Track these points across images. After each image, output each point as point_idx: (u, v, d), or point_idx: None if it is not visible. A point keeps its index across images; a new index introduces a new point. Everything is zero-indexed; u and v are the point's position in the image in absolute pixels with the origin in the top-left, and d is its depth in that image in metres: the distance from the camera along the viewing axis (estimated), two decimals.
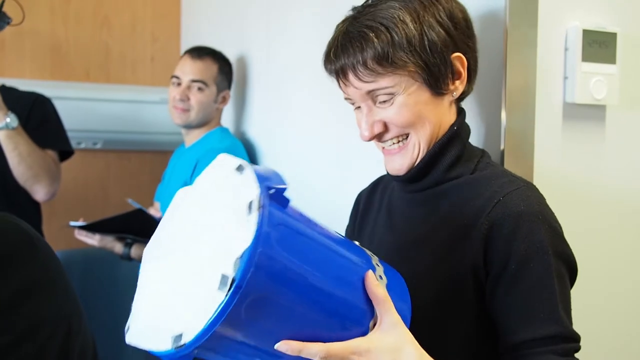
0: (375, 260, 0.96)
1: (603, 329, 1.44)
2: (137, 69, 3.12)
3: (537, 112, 1.32)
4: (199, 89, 2.33)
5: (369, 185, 1.32)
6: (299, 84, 2.09)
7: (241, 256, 0.76)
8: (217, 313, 0.75)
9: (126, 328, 0.86)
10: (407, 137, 1.10)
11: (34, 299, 1.09)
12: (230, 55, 2.57)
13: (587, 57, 1.35)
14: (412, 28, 1.03)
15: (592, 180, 1.41)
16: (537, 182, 1.30)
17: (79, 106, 2.81)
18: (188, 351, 0.77)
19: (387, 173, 1.17)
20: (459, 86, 1.10)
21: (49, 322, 1.09)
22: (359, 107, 1.11)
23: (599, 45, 1.36)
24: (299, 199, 2.02)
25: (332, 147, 1.90)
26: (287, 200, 0.84)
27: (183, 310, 0.79)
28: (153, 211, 2.28)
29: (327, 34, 1.89)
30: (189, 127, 2.38)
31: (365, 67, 1.04)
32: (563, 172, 1.37)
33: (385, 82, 1.04)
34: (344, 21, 1.11)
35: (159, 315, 0.83)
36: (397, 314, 0.89)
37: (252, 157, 2.39)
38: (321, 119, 1.96)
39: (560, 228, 1.04)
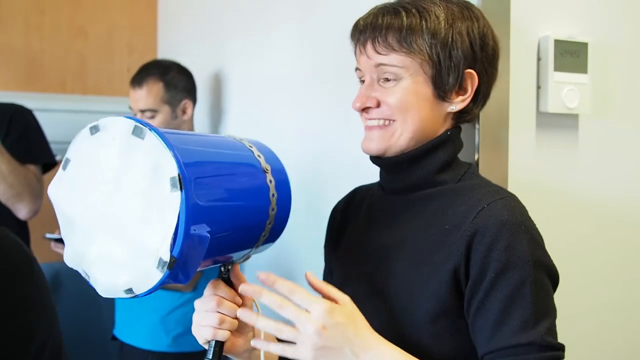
0: (261, 159, 1.09)
1: (579, 331, 1.46)
2: (113, 81, 3.10)
3: (511, 122, 1.34)
4: (150, 117, 2.27)
5: (344, 199, 1.32)
6: (275, 96, 2.10)
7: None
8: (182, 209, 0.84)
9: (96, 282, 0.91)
10: (391, 122, 1.11)
11: (29, 314, 1.12)
12: (207, 66, 2.57)
13: (559, 66, 1.37)
14: (442, 26, 1.07)
15: (566, 188, 1.43)
16: (511, 191, 1.31)
17: (55, 118, 2.78)
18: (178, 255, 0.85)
19: (372, 161, 1.18)
20: (460, 102, 1.11)
21: (40, 338, 1.11)
22: (363, 82, 1.14)
23: (570, 55, 1.38)
24: None
25: (309, 160, 1.90)
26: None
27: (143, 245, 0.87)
28: None
29: (303, 46, 1.90)
30: None
31: (384, 39, 1.08)
32: (537, 180, 1.39)
33: (395, 59, 1.08)
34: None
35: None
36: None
37: None
38: (298, 131, 1.97)
39: (542, 239, 1.05)
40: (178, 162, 0.85)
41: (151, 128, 0.87)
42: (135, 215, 0.87)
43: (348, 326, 0.95)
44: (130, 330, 2.27)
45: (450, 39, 1.07)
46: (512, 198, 1.06)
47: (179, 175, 0.84)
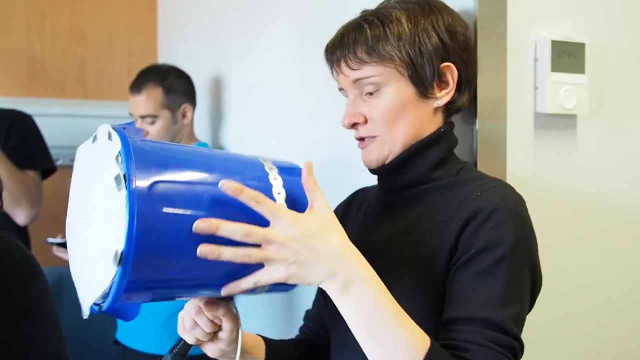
0: (269, 168, 0.96)
1: (577, 331, 1.46)
2: (113, 84, 3.11)
3: (509, 122, 1.34)
4: (151, 122, 2.28)
5: (345, 200, 1.33)
6: (275, 98, 2.10)
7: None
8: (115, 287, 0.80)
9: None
10: (380, 136, 1.13)
11: (29, 319, 1.11)
12: (206, 69, 2.58)
13: (556, 67, 1.37)
14: (406, 27, 1.09)
15: (564, 188, 1.43)
16: None
17: (56, 122, 2.80)
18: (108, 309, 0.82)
19: (366, 165, 1.19)
20: (445, 95, 1.13)
21: (40, 343, 1.11)
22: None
23: (567, 56, 1.38)
24: None
25: (312, 161, 1.90)
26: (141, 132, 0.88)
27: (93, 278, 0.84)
28: None
29: (301, 48, 1.91)
30: None
31: (354, 55, 1.10)
32: (535, 181, 1.39)
33: (370, 70, 1.09)
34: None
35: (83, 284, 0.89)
36: (326, 201, 0.92)
37: None
38: (299, 133, 1.97)
39: (533, 233, 1.05)
40: (128, 246, 0.78)
41: (129, 190, 0.79)
42: (90, 251, 0.86)
43: (318, 238, 0.88)
44: (132, 334, 2.28)
45: (417, 38, 1.09)
46: (507, 186, 1.07)
47: (122, 254, 0.79)
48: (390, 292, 0.94)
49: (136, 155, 0.82)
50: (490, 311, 0.95)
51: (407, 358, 0.88)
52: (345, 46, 1.11)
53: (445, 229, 1.04)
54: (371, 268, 0.91)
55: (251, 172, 0.93)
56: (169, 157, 0.87)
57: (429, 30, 1.10)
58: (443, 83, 1.13)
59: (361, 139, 1.15)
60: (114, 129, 0.85)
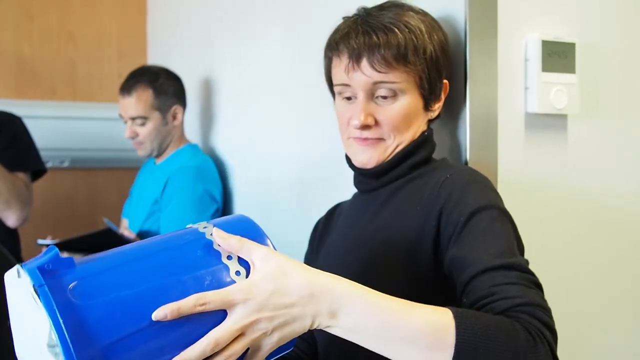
0: (206, 229, 0.86)
1: (575, 331, 1.46)
2: (103, 86, 3.10)
3: (500, 123, 1.34)
4: (141, 124, 2.29)
5: (326, 213, 1.35)
6: (266, 98, 2.10)
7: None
8: None
9: None
10: (386, 139, 1.15)
11: (7, 324, 1.10)
12: (197, 71, 2.57)
13: (547, 67, 1.37)
14: (426, 39, 1.13)
15: (555, 188, 1.43)
16: (501, 192, 1.32)
17: (46, 125, 2.78)
18: None
19: (352, 167, 1.21)
20: (437, 109, 1.20)
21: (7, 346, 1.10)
22: (348, 97, 1.15)
23: (558, 56, 1.39)
24: (265, 214, 2.02)
25: (298, 163, 1.90)
26: (67, 261, 0.77)
27: None
28: (127, 232, 2.26)
29: (293, 50, 1.91)
30: (155, 155, 2.37)
31: (383, 57, 1.10)
32: (526, 181, 1.39)
33: (394, 76, 1.11)
34: (355, 15, 1.17)
35: None
36: (264, 247, 0.83)
37: (221, 173, 2.38)
38: (289, 133, 1.97)
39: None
40: None
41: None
42: None
43: (281, 294, 0.79)
44: None
45: (434, 52, 1.14)
46: (474, 169, 1.12)
47: None
48: (379, 284, 0.88)
49: (69, 330, 0.71)
50: (505, 258, 0.93)
51: (439, 340, 0.79)
52: (374, 46, 1.10)
53: (423, 216, 1.06)
54: (346, 281, 0.83)
55: (200, 270, 0.82)
56: (102, 313, 0.75)
57: (440, 45, 1.15)
58: (438, 98, 1.19)
59: (364, 139, 1.15)
60: (37, 290, 0.73)
